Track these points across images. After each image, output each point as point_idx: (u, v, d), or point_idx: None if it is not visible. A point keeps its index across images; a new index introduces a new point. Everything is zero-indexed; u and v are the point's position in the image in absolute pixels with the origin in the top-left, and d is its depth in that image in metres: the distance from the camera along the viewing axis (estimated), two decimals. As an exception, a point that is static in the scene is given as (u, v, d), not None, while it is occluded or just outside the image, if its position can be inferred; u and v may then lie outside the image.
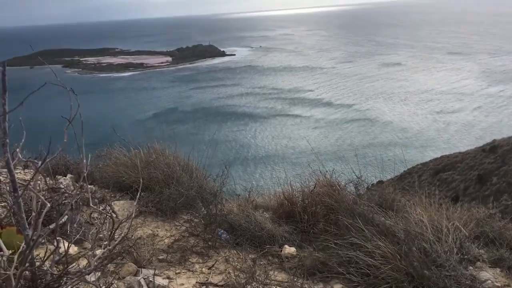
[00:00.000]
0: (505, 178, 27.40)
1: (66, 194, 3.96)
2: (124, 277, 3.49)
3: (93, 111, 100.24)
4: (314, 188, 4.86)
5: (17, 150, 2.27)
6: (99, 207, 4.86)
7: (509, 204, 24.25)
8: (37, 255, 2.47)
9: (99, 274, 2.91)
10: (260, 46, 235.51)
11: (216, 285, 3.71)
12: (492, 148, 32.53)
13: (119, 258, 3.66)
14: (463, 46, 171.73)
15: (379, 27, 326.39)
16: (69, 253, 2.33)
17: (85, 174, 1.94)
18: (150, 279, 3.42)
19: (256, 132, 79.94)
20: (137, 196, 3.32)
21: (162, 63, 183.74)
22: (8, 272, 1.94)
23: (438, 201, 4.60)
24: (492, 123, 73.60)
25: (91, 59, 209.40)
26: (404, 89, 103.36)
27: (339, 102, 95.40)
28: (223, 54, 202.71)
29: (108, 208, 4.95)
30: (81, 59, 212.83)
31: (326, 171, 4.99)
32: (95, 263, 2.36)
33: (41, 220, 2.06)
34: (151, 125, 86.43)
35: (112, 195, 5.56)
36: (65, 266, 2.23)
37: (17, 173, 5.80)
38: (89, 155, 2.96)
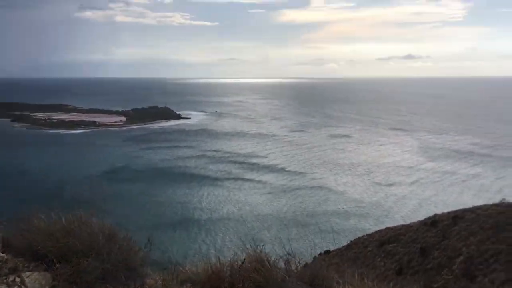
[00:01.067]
0: (445, 252, 28.05)
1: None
2: None
3: (35, 166, 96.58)
4: (243, 263, 4.69)
5: None
6: (9, 278, 4.50)
7: (450, 278, 24.65)
8: None
9: None
10: (216, 111, 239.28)
11: None
12: (433, 222, 33.59)
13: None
14: (405, 123, 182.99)
15: (329, 101, 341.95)
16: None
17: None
18: None
19: (204, 195, 78.91)
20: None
21: (115, 122, 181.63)
22: None
23: (373, 278, 4.54)
24: (428, 196, 76.52)
25: (42, 115, 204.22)
26: (349, 160, 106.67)
27: (289, 169, 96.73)
28: (178, 116, 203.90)
29: (18, 279, 4.54)
30: (31, 114, 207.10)
31: (257, 245, 4.84)
32: None
33: None
34: (98, 182, 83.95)
35: (26, 265, 5.06)
36: None
37: None
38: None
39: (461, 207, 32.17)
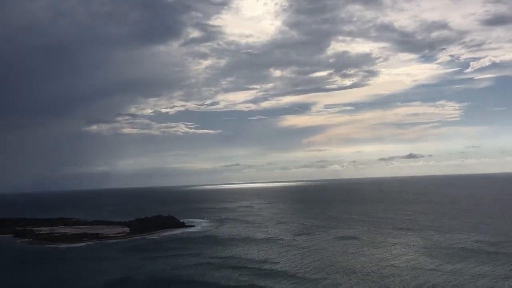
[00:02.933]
0: None
1: None
2: None
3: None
4: None
5: None
6: None
7: None
8: None
9: None
10: (220, 218, 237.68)
11: None
12: None
13: None
14: (410, 222, 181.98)
15: (334, 202, 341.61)
16: None
17: None
18: None
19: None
20: None
21: (119, 233, 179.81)
22: None
23: None
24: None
25: (45, 229, 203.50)
26: (358, 263, 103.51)
27: (299, 275, 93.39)
28: (182, 225, 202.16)
29: None
30: (34, 228, 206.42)
31: None
32: None
33: None
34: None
35: None
36: None
37: None
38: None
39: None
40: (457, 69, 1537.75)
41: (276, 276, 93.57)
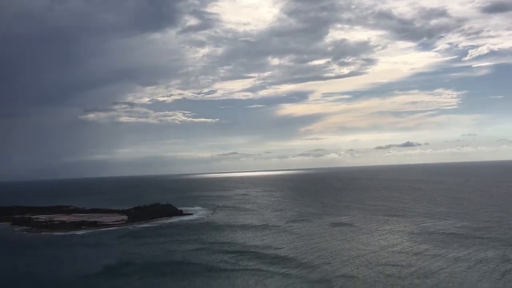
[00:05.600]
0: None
1: None
2: None
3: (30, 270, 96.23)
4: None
5: None
6: None
7: None
8: None
9: None
10: (217, 205, 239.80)
11: None
12: None
13: None
14: (404, 210, 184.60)
15: (330, 190, 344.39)
16: None
17: None
18: None
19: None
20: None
21: (117, 221, 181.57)
22: None
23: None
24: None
25: (43, 217, 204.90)
26: (354, 250, 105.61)
27: (298, 261, 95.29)
28: (180, 213, 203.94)
29: None
30: (32, 216, 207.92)
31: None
32: None
33: None
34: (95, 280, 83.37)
35: None
36: None
37: None
38: None
39: None
40: (455, 57, 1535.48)
41: (273, 261, 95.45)
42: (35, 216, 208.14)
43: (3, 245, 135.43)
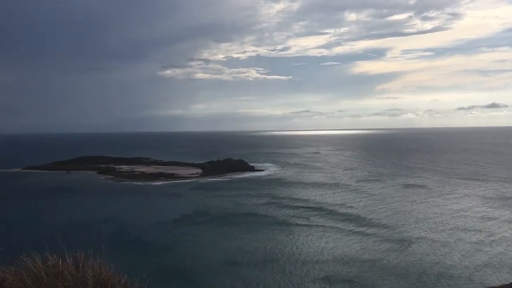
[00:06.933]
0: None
1: None
2: None
3: (114, 212, 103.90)
4: None
5: None
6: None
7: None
8: None
9: None
10: (288, 163, 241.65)
11: None
12: None
13: None
14: (481, 174, 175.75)
15: (404, 151, 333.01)
16: None
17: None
18: None
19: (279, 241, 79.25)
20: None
21: (192, 174, 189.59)
22: None
23: None
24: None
25: (125, 167, 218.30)
26: (430, 213, 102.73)
27: (369, 220, 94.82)
28: (252, 169, 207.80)
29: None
30: (115, 166, 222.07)
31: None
32: None
33: None
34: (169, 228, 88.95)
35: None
36: None
37: None
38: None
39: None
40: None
41: (344, 219, 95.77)
42: (118, 166, 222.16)
43: (90, 192, 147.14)
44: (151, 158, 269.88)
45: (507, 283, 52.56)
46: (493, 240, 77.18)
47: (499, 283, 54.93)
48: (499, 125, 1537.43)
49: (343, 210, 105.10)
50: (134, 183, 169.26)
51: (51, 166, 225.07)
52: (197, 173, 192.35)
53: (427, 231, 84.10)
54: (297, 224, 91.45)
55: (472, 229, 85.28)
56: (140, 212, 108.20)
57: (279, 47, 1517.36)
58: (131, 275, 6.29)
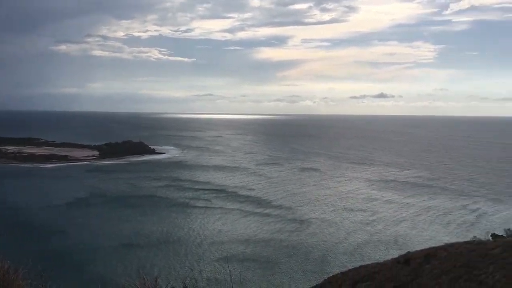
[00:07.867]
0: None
1: None
2: None
3: None
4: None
5: None
6: None
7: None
8: None
9: None
10: (190, 146, 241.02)
11: None
12: (406, 260, 35.77)
13: None
14: (370, 159, 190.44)
15: (301, 136, 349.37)
16: None
17: None
18: None
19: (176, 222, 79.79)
20: None
21: (88, 156, 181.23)
22: None
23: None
24: (402, 230, 79.84)
25: (12, 148, 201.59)
26: (323, 194, 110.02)
27: (262, 199, 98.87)
28: (152, 151, 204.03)
29: None
30: (0, 147, 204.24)
31: None
32: None
33: None
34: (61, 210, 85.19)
35: None
36: None
37: None
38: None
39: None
40: (436, 10, 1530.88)
41: (243, 200, 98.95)
42: (3, 147, 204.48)
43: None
44: (42, 139, 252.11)
45: (388, 258, 58.68)
46: (374, 219, 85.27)
47: (378, 259, 61.14)
48: (386, 114, 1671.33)
49: (242, 193, 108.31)
50: (22, 165, 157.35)
51: None
52: (93, 156, 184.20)
53: (317, 212, 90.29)
54: (196, 207, 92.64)
55: (357, 209, 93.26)
56: (28, 196, 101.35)
57: (183, 28, 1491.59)
58: (16, 261, 6.32)
